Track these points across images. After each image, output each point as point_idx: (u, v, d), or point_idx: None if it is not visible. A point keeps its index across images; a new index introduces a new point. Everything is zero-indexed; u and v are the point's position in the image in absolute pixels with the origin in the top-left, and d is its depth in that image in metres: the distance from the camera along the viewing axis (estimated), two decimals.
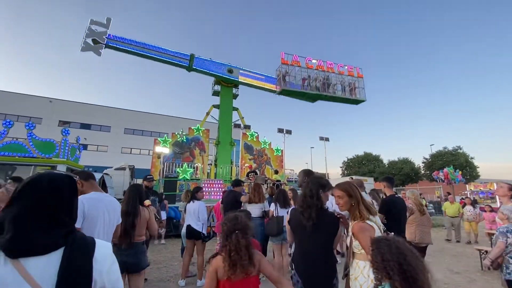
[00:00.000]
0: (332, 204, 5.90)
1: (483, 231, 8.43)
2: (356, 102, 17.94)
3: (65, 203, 0.93)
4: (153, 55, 14.81)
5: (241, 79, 16.82)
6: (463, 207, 9.39)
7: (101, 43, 13.55)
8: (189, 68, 15.64)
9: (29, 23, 73.69)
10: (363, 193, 2.16)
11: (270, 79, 17.61)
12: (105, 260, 0.89)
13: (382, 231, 2.02)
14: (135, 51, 14.40)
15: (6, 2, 65.03)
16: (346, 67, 17.76)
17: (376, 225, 1.99)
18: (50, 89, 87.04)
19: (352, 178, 12.95)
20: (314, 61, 17.06)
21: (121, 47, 14.21)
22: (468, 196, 16.93)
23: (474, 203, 15.89)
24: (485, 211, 8.51)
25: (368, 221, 1.96)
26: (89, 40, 13.40)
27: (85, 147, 24.52)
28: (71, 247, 0.84)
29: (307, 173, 3.26)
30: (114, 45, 14.00)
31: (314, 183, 2.28)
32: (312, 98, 17.64)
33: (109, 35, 13.90)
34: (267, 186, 10.08)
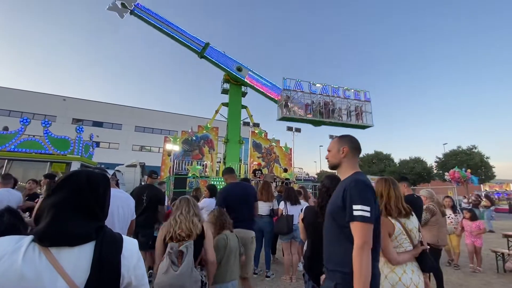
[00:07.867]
0: None
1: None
2: (363, 127, 16.90)
3: (100, 197, 0.96)
4: (171, 33, 14.90)
5: (248, 80, 16.61)
6: None
7: (128, 8, 14.03)
8: (201, 54, 15.59)
9: (44, 22, 75.78)
10: None
11: (275, 88, 17.26)
12: (132, 256, 0.91)
13: (407, 232, 1.96)
14: (156, 24, 14.60)
15: (21, 1, 67.07)
16: (352, 91, 16.86)
17: (400, 224, 1.96)
18: (63, 88, 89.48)
19: None
20: (318, 85, 16.32)
21: (145, 17, 14.46)
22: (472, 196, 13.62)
23: (476, 204, 12.47)
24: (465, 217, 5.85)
25: (390, 217, 1.98)
26: (118, 3, 13.83)
27: (97, 144, 25.11)
28: (101, 242, 0.86)
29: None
30: (139, 13, 14.30)
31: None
32: (314, 124, 16.94)
33: (137, 3, 14.26)
34: (276, 184, 10.07)
